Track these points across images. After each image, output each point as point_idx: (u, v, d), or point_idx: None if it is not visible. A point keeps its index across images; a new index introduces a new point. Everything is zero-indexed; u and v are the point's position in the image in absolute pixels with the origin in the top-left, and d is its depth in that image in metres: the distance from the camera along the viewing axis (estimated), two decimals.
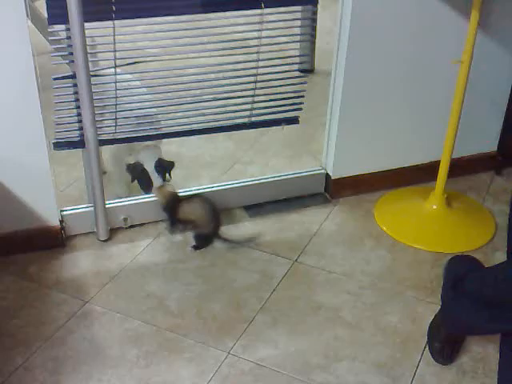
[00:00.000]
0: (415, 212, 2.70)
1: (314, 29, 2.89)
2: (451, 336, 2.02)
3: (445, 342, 2.01)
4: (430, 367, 1.98)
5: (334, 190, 2.78)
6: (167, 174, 2.56)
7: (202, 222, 2.45)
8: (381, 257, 2.45)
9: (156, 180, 2.53)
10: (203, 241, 2.47)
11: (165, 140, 2.61)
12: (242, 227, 2.60)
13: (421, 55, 2.59)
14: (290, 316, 2.16)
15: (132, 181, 2.59)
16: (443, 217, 2.65)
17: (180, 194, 2.53)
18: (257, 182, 2.75)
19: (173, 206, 2.47)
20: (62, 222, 2.43)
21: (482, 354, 2.02)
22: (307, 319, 2.15)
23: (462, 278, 1.93)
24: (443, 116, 2.53)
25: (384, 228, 2.60)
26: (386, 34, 2.49)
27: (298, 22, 2.69)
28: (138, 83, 2.56)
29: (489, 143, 2.96)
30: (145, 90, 2.56)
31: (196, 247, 2.45)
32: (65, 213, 2.46)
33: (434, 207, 2.64)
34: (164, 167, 2.55)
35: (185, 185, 2.69)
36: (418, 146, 2.80)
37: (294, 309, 2.19)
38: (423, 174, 2.79)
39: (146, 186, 2.57)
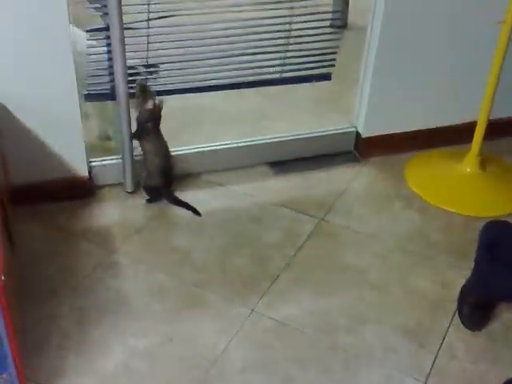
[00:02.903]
0: (448, 174, 2.63)
1: None
2: (482, 301, 1.98)
3: (475, 307, 1.97)
4: (459, 333, 1.93)
5: (363, 149, 2.72)
6: None
7: (152, 171, 2.40)
8: (410, 219, 2.41)
9: None
10: (152, 193, 2.43)
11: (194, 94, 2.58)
12: (267, 184, 2.56)
13: (461, 14, 2.51)
14: (314, 275, 2.13)
15: None
16: (477, 180, 2.59)
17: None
18: (284, 138, 2.71)
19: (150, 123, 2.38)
20: (90, 172, 2.42)
21: None
22: (332, 279, 2.12)
23: (496, 242, 1.89)
24: (481, 76, 2.45)
25: (415, 189, 2.54)
26: None
27: None
28: (168, 37, 2.52)
29: None
30: (175, 44, 2.52)
31: (148, 200, 2.42)
32: (93, 164, 2.45)
33: (468, 170, 2.58)
34: None
35: (213, 138, 2.67)
36: (454, 107, 2.72)
37: (320, 268, 2.16)
38: (457, 135, 2.71)
39: None
